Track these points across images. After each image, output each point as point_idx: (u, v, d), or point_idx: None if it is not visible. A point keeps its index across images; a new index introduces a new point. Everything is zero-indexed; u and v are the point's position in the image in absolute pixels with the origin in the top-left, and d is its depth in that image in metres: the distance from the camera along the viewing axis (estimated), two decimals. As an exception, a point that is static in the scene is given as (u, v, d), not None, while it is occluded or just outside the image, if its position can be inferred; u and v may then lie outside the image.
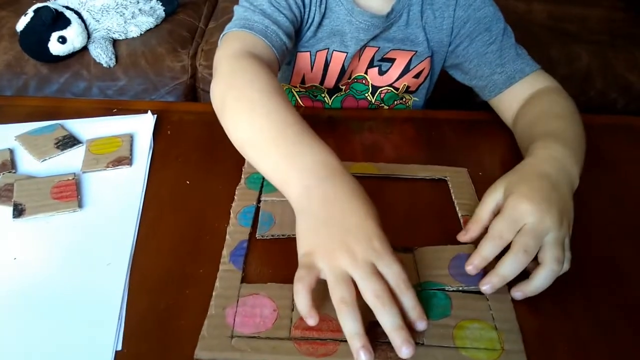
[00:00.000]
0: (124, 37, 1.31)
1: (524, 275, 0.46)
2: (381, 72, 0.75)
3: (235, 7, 0.67)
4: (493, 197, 0.51)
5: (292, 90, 0.78)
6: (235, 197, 0.57)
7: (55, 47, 1.19)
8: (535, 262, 0.46)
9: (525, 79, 0.69)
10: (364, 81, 0.76)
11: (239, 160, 0.62)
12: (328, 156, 0.48)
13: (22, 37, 1.21)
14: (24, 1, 1.40)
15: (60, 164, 0.61)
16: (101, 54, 1.22)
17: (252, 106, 0.52)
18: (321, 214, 0.44)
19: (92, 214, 0.55)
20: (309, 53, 0.72)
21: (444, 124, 0.72)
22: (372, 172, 0.61)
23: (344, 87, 0.77)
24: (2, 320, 0.44)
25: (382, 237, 0.43)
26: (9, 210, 0.54)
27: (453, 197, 0.58)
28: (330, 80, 0.75)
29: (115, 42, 1.29)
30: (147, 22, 1.33)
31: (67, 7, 1.23)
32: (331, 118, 0.73)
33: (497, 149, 0.69)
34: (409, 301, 0.41)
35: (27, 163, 0.61)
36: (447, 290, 0.47)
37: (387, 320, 0.39)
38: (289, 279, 0.47)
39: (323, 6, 0.69)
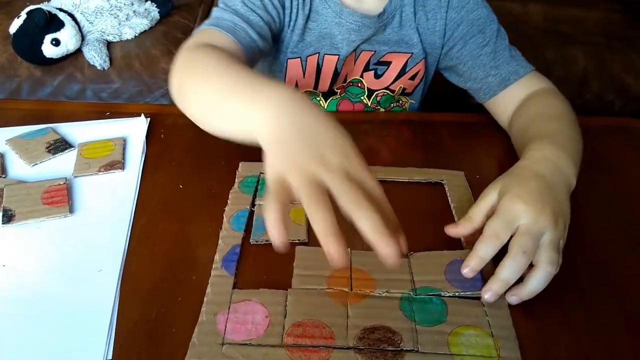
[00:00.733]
0: (118, 39, 1.30)
1: (518, 279, 0.45)
2: (377, 76, 0.75)
3: (213, 9, 0.67)
4: (487, 199, 0.50)
5: None
6: (229, 201, 0.56)
7: (48, 50, 1.18)
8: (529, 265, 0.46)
9: (519, 81, 0.68)
10: (359, 84, 0.76)
11: (233, 163, 0.61)
12: (293, 90, 0.45)
13: (15, 40, 1.20)
14: (17, 3, 1.39)
15: (52, 168, 0.61)
16: (95, 57, 1.21)
17: (206, 74, 0.51)
18: (292, 136, 0.40)
19: (84, 220, 0.54)
20: (299, 59, 0.72)
21: (440, 127, 0.71)
22: (367, 176, 0.60)
23: (339, 91, 0.77)
24: (-10, 328, 0.43)
25: (359, 155, 0.40)
26: (-2, 215, 0.53)
27: (450, 201, 0.57)
28: (324, 85, 0.74)
29: (109, 44, 1.28)
30: (141, 24, 1.32)
31: (61, 9, 1.22)
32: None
33: (494, 151, 0.68)
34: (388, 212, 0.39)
35: (18, 167, 0.60)
36: (443, 296, 0.46)
37: (366, 223, 0.36)
38: (281, 284, 0.47)
39: (307, 8, 0.68)
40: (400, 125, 0.74)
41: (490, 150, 0.69)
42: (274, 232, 0.36)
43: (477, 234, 0.51)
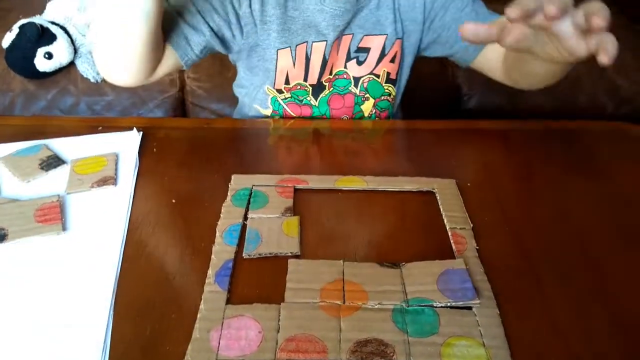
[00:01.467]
0: (111, 51, 1.30)
1: None
2: (359, 62, 0.77)
3: None
4: None
5: (278, 98, 0.78)
6: (221, 215, 0.56)
7: (41, 63, 1.18)
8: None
9: None
10: (345, 76, 0.78)
11: (226, 176, 0.62)
12: None
13: (8, 54, 1.20)
14: (10, 17, 1.38)
15: (45, 184, 0.61)
16: (88, 69, 1.21)
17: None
18: None
19: (77, 237, 0.54)
20: (289, 49, 0.74)
21: (430, 134, 0.72)
22: (360, 186, 0.60)
23: (327, 85, 0.78)
24: (-17, 349, 0.43)
25: None
26: (-9, 234, 0.53)
27: (441, 210, 0.58)
28: (313, 75, 0.76)
29: (102, 57, 1.29)
30: (134, 35, 1.32)
31: (53, 23, 1.22)
32: (317, 131, 0.73)
33: (485, 157, 0.69)
34: None
35: (11, 185, 0.61)
36: (436, 306, 0.46)
37: None
38: (274, 298, 0.47)
39: None
40: (391, 133, 0.75)
41: (481, 157, 0.69)
42: None
43: (467, 244, 0.52)
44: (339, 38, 0.74)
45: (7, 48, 1.20)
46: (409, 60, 0.79)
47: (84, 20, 1.27)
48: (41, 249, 0.52)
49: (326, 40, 0.73)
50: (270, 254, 0.52)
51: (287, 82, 0.77)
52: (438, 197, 0.59)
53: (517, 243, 0.54)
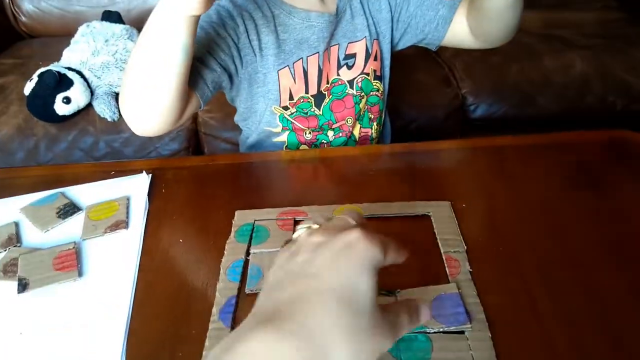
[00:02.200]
0: (126, 90, 1.36)
1: None
2: (349, 67, 0.83)
3: None
4: None
5: (286, 115, 0.82)
6: (225, 252, 0.59)
7: (60, 108, 1.24)
8: None
9: None
10: (339, 82, 0.84)
11: (230, 213, 0.64)
12: None
13: (29, 101, 1.27)
14: (30, 64, 1.47)
15: (63, 232, 0.65)
16: (105, 109, 1.27)
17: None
18: None
19: (91, 282, 0.58)
20: (287, 68, 0.79)
21: (426, 155, 0.74)
22: (356, 214, 0.62)
23: (326, 93, 0.83)
24: (9, 396, 0.47)
25: None
26: (14, 285, 0.57)
27: (436, 234, 0.59)
28: (313, 86, 0.82)
29: (117, 96, 1.34)
30: (147, 72, 1.37)
31: (69, 68, 1.29)
32: (316, 160, 0.75)
33: (480, 177, 0.70)
34: None
35: (32, 234, 0.65)
36: (429, 333, 0.48)
37: None
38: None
39: (272, 24, 0.77)
40: (386, 157, 0.77)
41: (476, 177, 0.70)
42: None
43: (460, 267, 0.53)
44: (327, 49, 0.80)
45: (28, 96, 1.27)
46: (387, 57, 0.86)
47: (100, 61, 1.33)
48: (59, 295, 0.56)
49: (318, 52, 0.79)
50: (271, 288, 0.54)
51: (291, 97, 0.82)
52: (433, 221, 0.61)
53: (511, 264, 0.55)
